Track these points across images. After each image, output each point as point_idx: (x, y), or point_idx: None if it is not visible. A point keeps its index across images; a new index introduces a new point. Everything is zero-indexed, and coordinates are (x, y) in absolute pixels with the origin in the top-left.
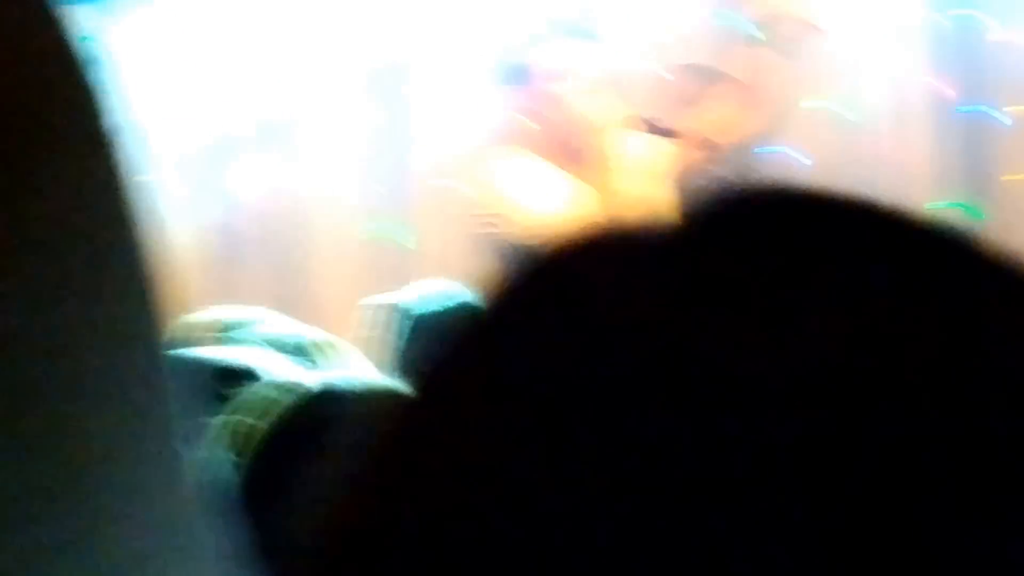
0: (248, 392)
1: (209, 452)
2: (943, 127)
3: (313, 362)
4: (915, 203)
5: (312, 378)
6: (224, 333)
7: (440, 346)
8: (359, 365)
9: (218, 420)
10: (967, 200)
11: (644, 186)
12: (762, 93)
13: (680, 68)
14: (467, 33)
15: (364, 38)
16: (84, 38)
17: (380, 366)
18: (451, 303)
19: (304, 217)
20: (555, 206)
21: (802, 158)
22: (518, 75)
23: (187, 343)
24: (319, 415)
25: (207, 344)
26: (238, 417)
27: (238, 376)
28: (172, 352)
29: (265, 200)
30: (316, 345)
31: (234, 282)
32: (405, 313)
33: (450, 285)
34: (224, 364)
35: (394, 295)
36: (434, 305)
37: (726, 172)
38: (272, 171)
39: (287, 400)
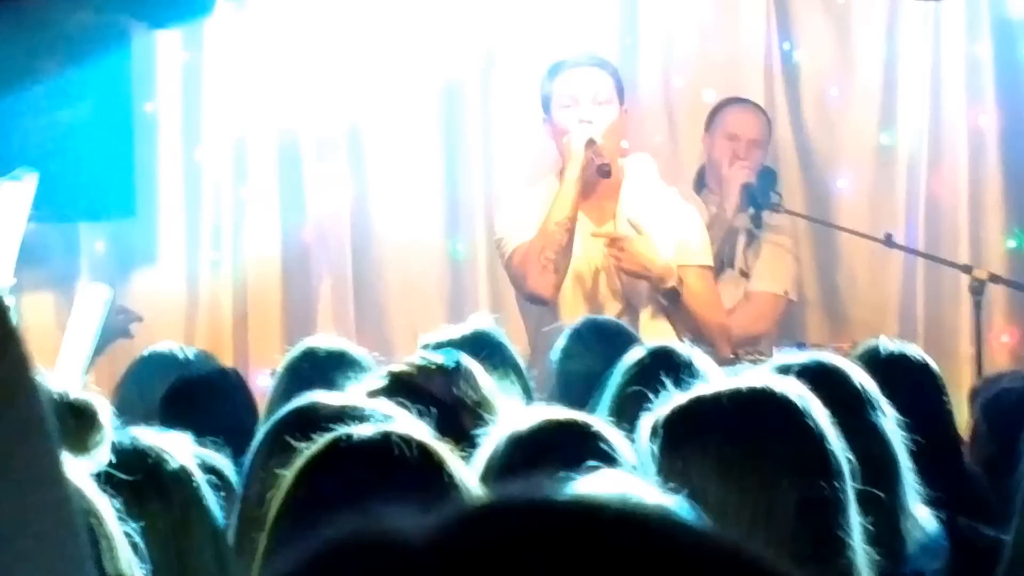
0: None
1: None
2: (990, 162)
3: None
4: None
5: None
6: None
7: None
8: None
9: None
10: (1016, 233)
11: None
12: None
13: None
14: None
15: (428, 56)
16: None
17: None
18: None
19: (376, 233)
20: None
21: (852, 189)
22: (544, 104)
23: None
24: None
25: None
26: None
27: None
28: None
29: (337, 212)
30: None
31: (307, 298)
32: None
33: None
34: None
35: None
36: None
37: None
38: (343, 183)
39: None
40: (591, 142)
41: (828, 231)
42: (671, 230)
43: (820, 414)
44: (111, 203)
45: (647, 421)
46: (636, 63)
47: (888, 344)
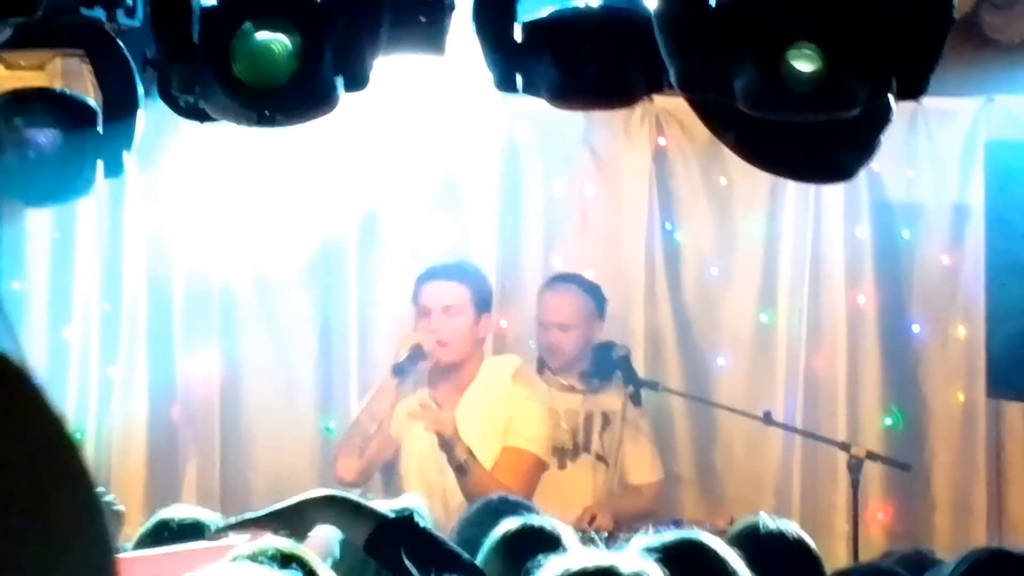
0: None
1: None
2: (868, 341)
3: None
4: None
5: None
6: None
7: None
8: None
9: None
10: (892, 411)
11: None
12: None
13: None
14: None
15: (303, 219)
16: None
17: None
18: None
19: (247, 407)
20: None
21: (731, 367)
22: (415, 304)
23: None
24: None
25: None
26: None
27: None
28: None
29: (206, 390)
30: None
31: (172, 476)
32: None
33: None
34: None
35: None
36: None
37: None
38: (213, 360)
39: None
40: (417, 346)
41: (707, 408)
42: (504, 416)
43: None
44: None
45: None
46: (518, 242)
47: (768, 521)
